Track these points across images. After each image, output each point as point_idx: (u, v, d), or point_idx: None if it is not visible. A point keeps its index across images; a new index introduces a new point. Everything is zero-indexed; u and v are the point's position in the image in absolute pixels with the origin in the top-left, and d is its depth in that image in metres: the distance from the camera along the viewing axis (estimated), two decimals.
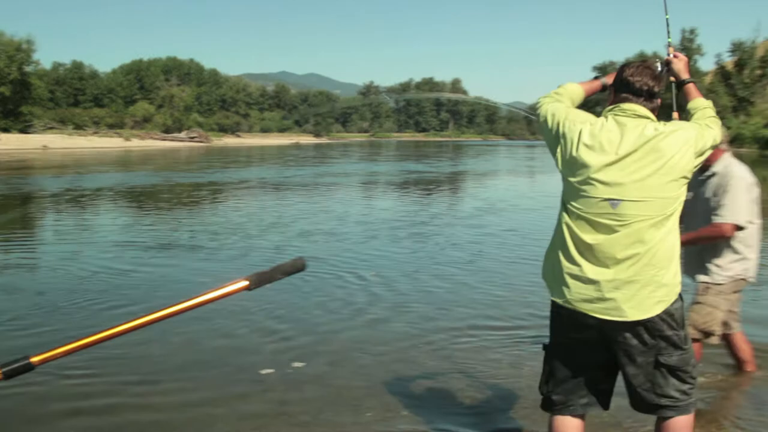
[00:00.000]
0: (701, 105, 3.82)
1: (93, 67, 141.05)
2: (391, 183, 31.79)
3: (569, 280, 3.46)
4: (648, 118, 3.48)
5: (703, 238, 5.20)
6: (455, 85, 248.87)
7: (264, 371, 6.09)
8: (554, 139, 3.62)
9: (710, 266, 5.28)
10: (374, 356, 6.59)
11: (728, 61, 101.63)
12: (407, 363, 6.38)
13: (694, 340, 4.89)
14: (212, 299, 2.33)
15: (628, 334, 3.42)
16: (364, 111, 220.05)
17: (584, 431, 3.71)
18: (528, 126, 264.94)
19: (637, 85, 3.52)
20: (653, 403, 3.52)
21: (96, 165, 44.30)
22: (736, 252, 5.24)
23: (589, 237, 3.40)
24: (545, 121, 3.71)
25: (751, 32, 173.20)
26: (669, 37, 4.42)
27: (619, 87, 3.59)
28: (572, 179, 3.47)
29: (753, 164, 43.64)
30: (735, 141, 69.30)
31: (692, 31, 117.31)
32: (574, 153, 3.46)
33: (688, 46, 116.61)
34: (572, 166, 3.47)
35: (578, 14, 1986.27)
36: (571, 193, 3.48)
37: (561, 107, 3.72)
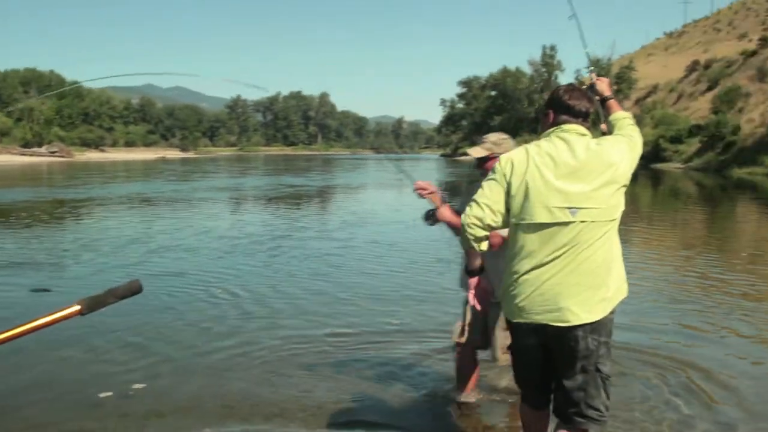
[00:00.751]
0: (621, 116, 4.26)
1: None
2: (262, 197, 31.40)
3: (522, 296, 3.72)
4: (587, 135, 3.81)
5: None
6: (323, 99, 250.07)
7: (103, 394, 5.84)
8: (509, 191, 3.76)
9: None
10: (217, 372, 6.46)
11: (586, 77, 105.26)
12: (255, 377, 6.29)
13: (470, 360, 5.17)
14: (42, 325, 2.20)
15: (574, 338, 3.66)
16: (231, 125, 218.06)
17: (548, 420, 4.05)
18: (396, 139, 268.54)
19: (576, 108, 3.83)
20: (580, 413, 3.76)
21: None
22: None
23: (545, 247, 3.66)
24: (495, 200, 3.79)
25: (606, 50, 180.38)
26: (591, 67, 5.18)
27: (559, 110, 3.86)
28: (531, 196, 3.68)
29: None
30: None
31: (552, 48, 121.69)
32: (528, 175, 3.70)
33: (550, 62, 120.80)
34: (529, 186, 3.69)
35: (442, 27, 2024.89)
36: (527, 211, 3.68)
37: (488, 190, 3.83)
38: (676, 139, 68.86)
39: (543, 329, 3.70)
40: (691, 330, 8.02)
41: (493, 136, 5.25)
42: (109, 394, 5.85)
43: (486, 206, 3.75)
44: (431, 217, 5.20)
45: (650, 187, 39.66)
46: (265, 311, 8.79)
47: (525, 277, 3.71)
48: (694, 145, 66.23)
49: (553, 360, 3.81)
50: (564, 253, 3.63)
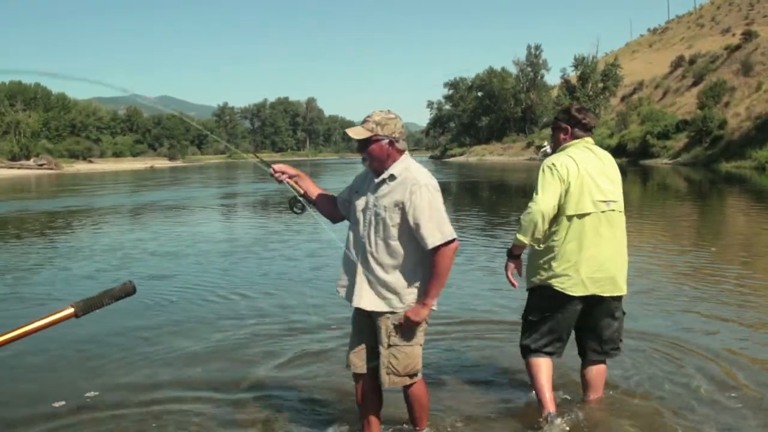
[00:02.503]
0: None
1: None
2: (249, 204, 31.29)
3: (586, 273, 4.76)
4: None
5: (444, 274, 4.28)
6: (310, 105, 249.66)
7: (57, 404, 5.79)
8: (567, 190, 4.74)
9: (389, 294, 4.37)
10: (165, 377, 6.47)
11: (572, 75, 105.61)
12: (214, 385, 6.26)
13: (405, 387, 4.53)
14: (37, 329, 2.19)
15: (615, 306, 5.02)
16: (219, 132, 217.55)
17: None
18: None
19: (588, 123, 5.00)
20: (615, 347, 5.15)
21: None
22: (415, 275, 4.36)
23: (599, 233, 4.77)
24: (556, 198, 4.75)
25: (591, 48, 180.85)
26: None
27: (576, 125, 4.96)
28: (584, 192, 4.73)
29: None
30: None
31: (537, 47, 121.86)
32: (581, 176, 4.75)
33: (535, 62, 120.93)
34: (583, 184, 4.74)
35: (426, 29, 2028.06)
36: (581, 205, 4.73)
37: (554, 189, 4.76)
38: (664, 135, 68.93)
39: (591, 299, 4.83)
40: (691, 318, 8.13)
41: (377, 115, 4.43)
42: (63, 402, 5.82)
43: (550, 204, 4.67)
44: (296, 204, 4.77)
45: (640, 183, 39.64)
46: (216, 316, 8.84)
47: (587, 256, 4.74)
48: (681, 140, 66.30)
49: (592, 318, 4.98)
50: (613, 236, 4.82)
